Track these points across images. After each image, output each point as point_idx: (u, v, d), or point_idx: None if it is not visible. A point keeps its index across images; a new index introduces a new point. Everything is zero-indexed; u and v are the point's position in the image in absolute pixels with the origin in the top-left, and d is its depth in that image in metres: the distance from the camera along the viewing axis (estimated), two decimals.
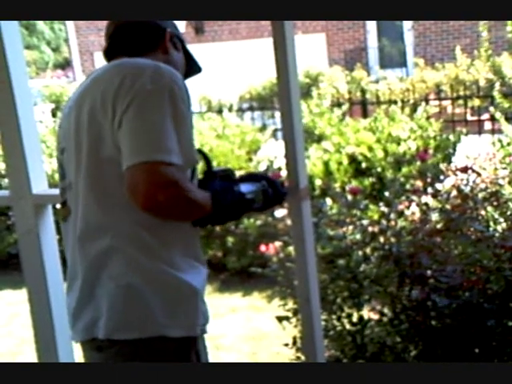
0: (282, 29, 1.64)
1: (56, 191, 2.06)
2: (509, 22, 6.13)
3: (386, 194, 4.01)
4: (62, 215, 1.50)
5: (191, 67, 1.65)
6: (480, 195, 2.65)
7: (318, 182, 5.10)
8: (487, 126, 9.64)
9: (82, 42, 17.37)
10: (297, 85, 1.70)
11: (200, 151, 1.49)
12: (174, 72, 1.37)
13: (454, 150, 5.67)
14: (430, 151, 5.15)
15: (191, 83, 1.43)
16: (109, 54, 1.54)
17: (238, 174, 1.61)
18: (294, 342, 2.68)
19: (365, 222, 2.63)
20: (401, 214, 2.60)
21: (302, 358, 2.64)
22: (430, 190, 2.78)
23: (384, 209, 2.83)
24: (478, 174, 2.77)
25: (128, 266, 1.35)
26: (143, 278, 1.35)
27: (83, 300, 1.40)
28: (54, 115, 7.36)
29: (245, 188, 1.50)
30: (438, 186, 2.86)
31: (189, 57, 1.63)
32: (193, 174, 1.43)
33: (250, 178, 1.59)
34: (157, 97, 1.29)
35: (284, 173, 4.06)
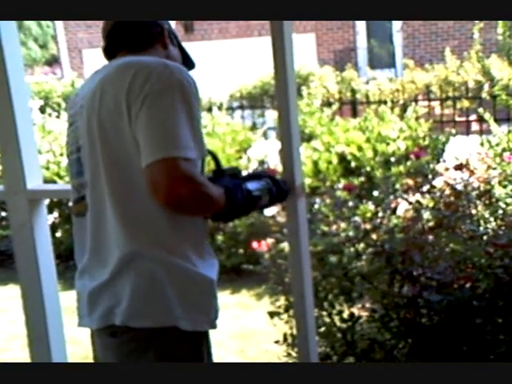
0: (281, 27, 1.65)
1: (51, 186, 2.08)
2: (499, 24, 6.18)
3: (375, 193, 4.04)
4: (77, 210, 1.52)
5: (185, 63, 1.67)
6: (472, 194, 2.68)
7: (308, 181, 5.12)
8: (474, 126, 9.73)
9: (71, 39, 17.27)
10: (294, 83, 1.71)
11: (208, 151, 1.51)
12: (182, 68, 1.41)
13: (443, 150, 5.71)
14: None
15: None
16: (109, 52, 1.56)
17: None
18: (285, 339, 2.69)
19: (357, 218, 2.65)
20: (394, 211, 2.62)
21: (293, 354, 2.66)
22: (423, 188, 2.81)
23: (373, 208, 2.85)
24: (472, 172, 2.79)
25: (151, 262, 1.39)
26: (165, 272, 1.39)
27: (103, 288, 1.44)
28: (42, 112, 7.30)
29: (251, 186, 1.53)
30: (432, 184, 2.88)
31: (183, 52, 1.67)
32: (202, 168, 1.46)
33: (255, 176, 1.62)
34: (168, 94, 1.32)
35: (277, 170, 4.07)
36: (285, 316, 2.74)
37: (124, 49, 1.52)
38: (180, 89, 1.33)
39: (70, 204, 1.58)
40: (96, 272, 1.46)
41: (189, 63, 1.69)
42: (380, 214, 2.65)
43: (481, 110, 5.46)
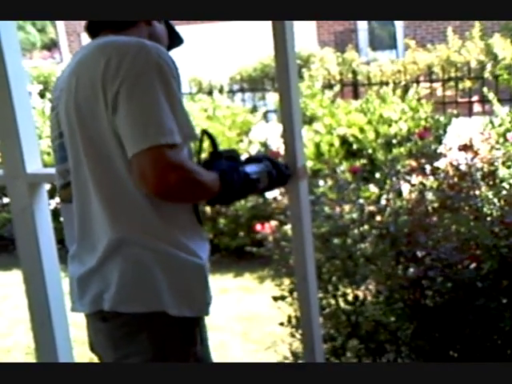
0: None
1: (51, 170, 2.06)
2: None
3: (377, 175, 4.03)
4: (64, 196, 1.50)
5: (173, 39, 1.62)
6: (477, 175, 2.67)
7: (309, 164, 5.10)
8: (476, 108, 9.69)
9: (69, 23, 17.16)
10: (295, 65, 1.69)
11: (206, 132, 1.49)
12: (160, 48, 1.35)
13: (445, 131, 5.68)
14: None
15: (181, 64, 1.41)
16: (92, 30, 1.50)
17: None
18: (289, 321, 2.69)
19: (362, 201, 2.64)
20: (399, 194, 2.61)
21: (297, 336, 2.66)
22: (427, 169, 2.79)
23: (375, 190, 2.84)
24: (476, 153, 2.78)
25: (138, 248, 1.37)
26: (154, 258, 1.37)
27: (92, 273, 1.42)
28: (42, 96, 7.24)
29: (249, 169, 1.50)
30: (436, 165, 2.87)
31: (170, 29, 1.60)
32: (190, 151, 1.42)
33: (254, 159, 1.59)
34: (146, 77, 1.27)
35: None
36: (289, 298, 2.74)
37: (106, 28, 1.46)
38: (157, 70, 1.28)
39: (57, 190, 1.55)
40: (85, 257, 1.44)
41: (176, 39, 1.63)
42: (384, 196, 2.63)
43: (485, 89, 5.42)
